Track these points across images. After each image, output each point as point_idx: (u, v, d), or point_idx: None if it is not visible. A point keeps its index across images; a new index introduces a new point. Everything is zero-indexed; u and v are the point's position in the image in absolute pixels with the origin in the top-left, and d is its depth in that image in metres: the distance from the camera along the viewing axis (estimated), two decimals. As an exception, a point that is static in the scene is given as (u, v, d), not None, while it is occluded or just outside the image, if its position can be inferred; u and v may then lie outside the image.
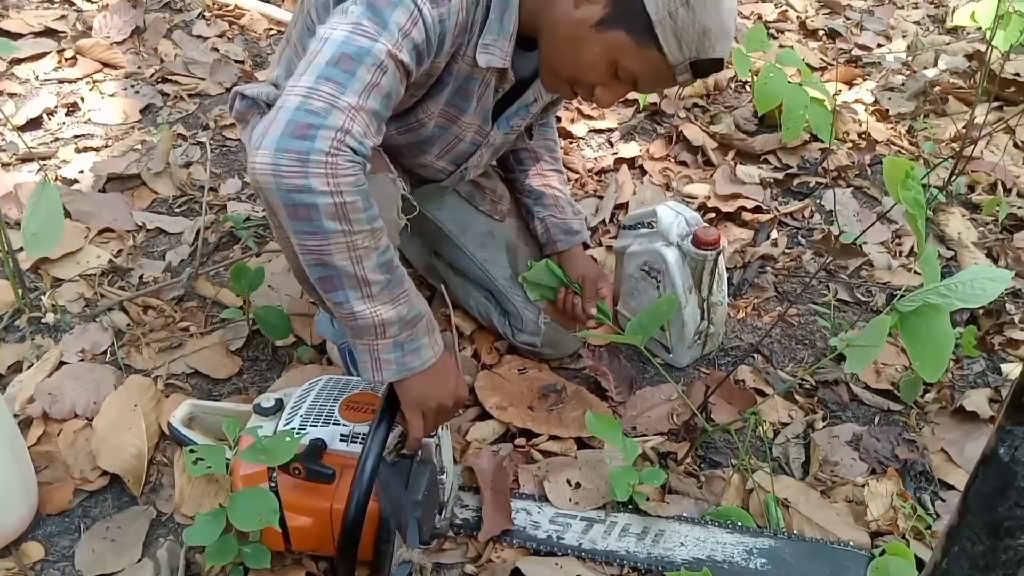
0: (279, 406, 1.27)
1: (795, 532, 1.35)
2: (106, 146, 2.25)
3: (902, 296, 1.24)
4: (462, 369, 1.59)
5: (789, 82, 2.29)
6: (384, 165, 1.29)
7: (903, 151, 2.47)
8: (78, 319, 1.71)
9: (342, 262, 1.06)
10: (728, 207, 2.12)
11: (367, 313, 1.09)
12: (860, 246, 2.03)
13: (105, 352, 1.65)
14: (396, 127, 1.33)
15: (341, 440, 1.20)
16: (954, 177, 2.25)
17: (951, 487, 1.47)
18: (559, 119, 2.48)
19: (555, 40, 1.20)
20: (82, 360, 1.62)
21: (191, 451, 1.19)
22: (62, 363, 1.61)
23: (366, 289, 1.08)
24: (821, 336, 1.81)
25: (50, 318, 1.70)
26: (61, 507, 1.37)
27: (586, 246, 1.68)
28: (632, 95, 2.60)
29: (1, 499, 1.27)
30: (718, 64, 1.16)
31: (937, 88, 2.75)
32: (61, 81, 2.53)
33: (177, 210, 2.06)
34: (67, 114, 2.39)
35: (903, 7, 3.48)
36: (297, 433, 1.19)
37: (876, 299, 1.89)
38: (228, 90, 2.54)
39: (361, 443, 1.16)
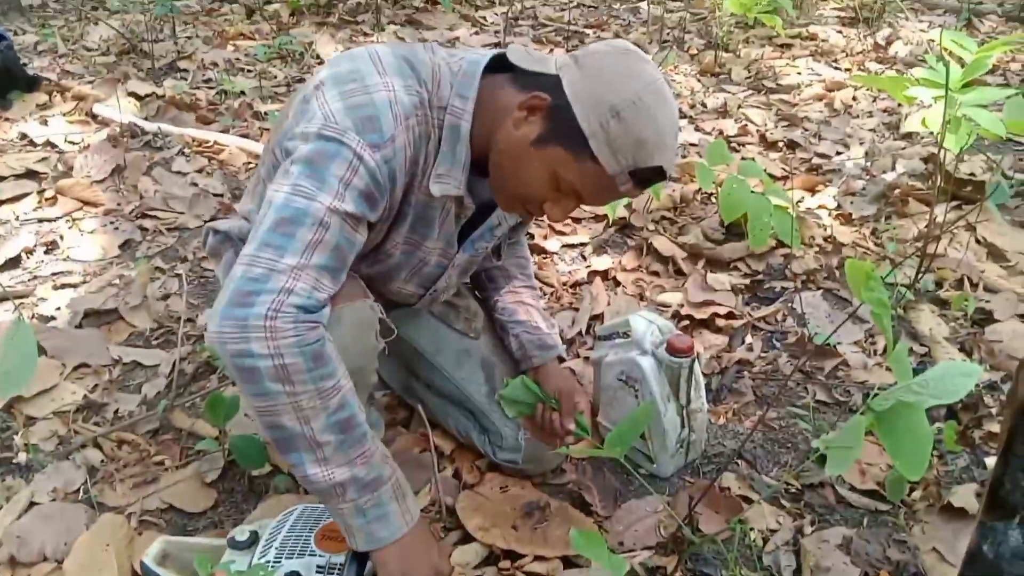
0: (254, 539, 1.24)
1: (791, 645, 1.31)
2: (84, 282, 2.27)
3: (876, 395, 1.25)
4: (443, 490, 1.58)
5: (752, 192, 2.38)
6: (361, 291, 1.30)
7: (869, 252, 2.53)
8: (51, 458, 1.68)
9: (290, 423, 1.08)
10: (701, 314, 2.15)
11: (320, 476, 1.11)
12: (834, 347, 2.05)
13: (78, 490, 1.61)
14: (363, 262, 1.35)
15: (318, 571, 1.17)
16: (921, 275, 2.30)
17: (946, 588, 1.44)
18: (532, 236, 2.53)
19: (500, 162, 1.22)
20: (54, 500, 1.58)
21: (163, 591, 1.15)
22: (33, 504, 1.57)
23: (319, 451, 1.10)
24: (803, 438, 1.80)
25: (22, 458, 1.67)
26: (27, 658, 1.31)
27: (562, 360, 1.68)
28: (601, 210, 2.68)
29: (-37, 653, 1.21)
30: (660, 173, 1.17)
31: (897, 191, 2.84)
32: (41, 220, 2.58)
33: (154, 343, 2.06)
34: (46, 252, 2.42)
35: (858, 117, 3.64)
36: (272, 566, 1.16)
37: (854, 398, 1.90)
38: (206, 222, 2.59)
39: (337, 575, 1.13)
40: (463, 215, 1.37)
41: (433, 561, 1.19)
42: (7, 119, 3.27)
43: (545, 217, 1.25)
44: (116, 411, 1.82)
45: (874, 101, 3.82)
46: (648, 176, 1.17)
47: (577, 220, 2.70)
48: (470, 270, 1.56)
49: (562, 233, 2.61)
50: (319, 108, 1.14)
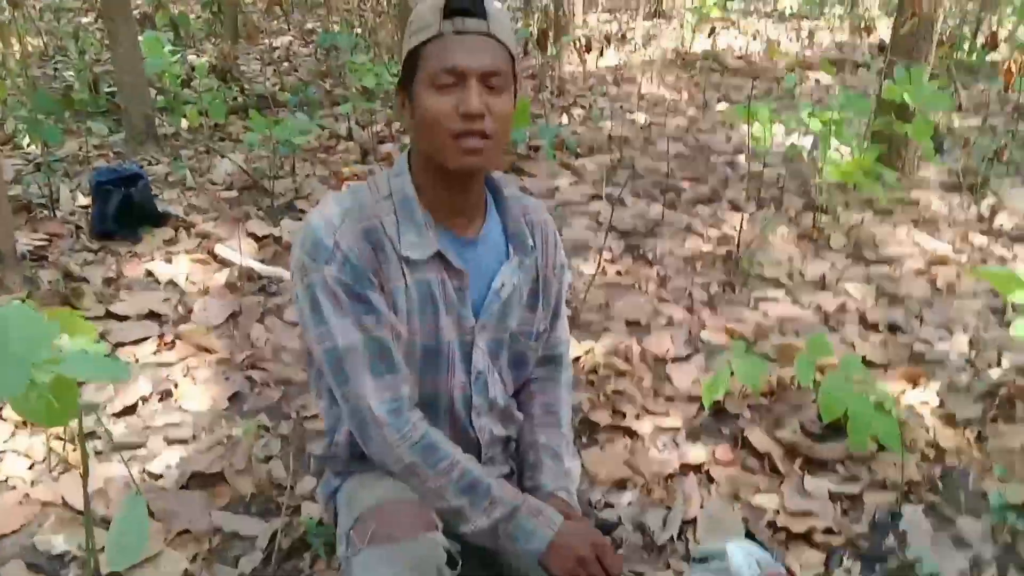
0: None
1: None
2: (194, 437, 2.37)
3: None
4: None
5: (853, 391, 2.35)
6: (424, 523, 1.33)
7: (974, 461, 2.44)
8: (150, 633, 1.73)
9: (436, 501, 1.36)
10: (799, 527, 2.10)
11: (470, 530, 1.38)
12: (938, 576, 1.97)
13: (172, 672, 1.65)
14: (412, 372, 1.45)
15: None
16: (1032, 496, 2.20)
17: None
18: (624, 415, 2.53)
19: (416, 138, 1.39)
20: None
21: None
22: None
23: (459, 514, 1.37)
24: None
25: (124, 631, 1.73)
26: None
27: (566, 516, 1.44)
28: (696, 391, 2.68)
29: None
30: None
31: (1003, 390, 2.76)
32: (159, 365, 2.72)
33: (254, 509, 2.13)
34: (160, 400, 2.55)
35: (962, 297, 3.57)
36: None
37: (961, 642, 1.81)
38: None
39: None
40: (463, 285, 1.42)
41: (580, 541, 1.36)
42: (136, 254, 3.51)
43: (464, 110, 1.28)
44: (214, 585, 1.88)
45: (979, 280, 3.74)
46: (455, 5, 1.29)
47: (670, 399, 2.71)
48: (502, 350, 1.53)
49: (654, 414, 2.61)
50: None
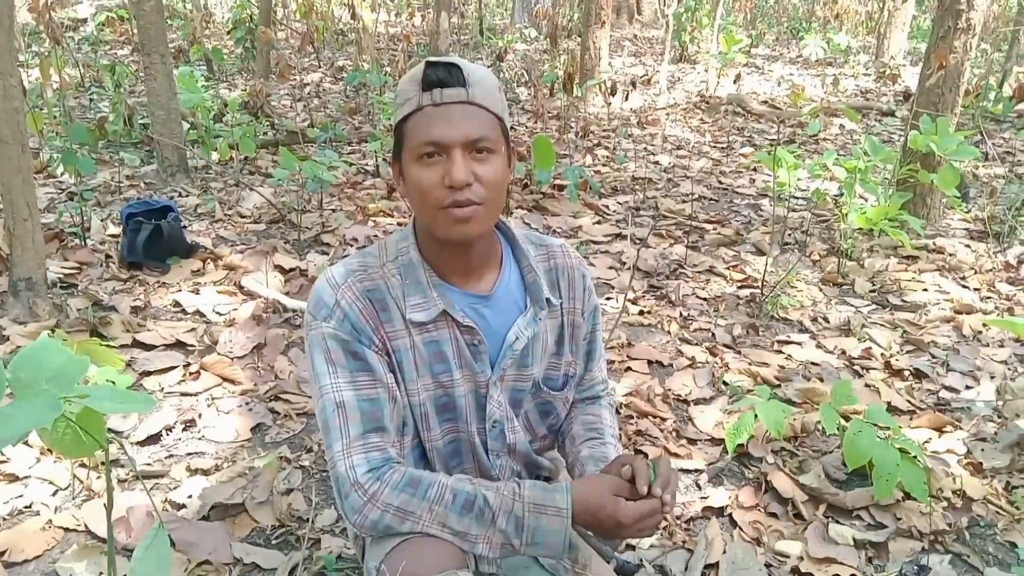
0: None
1: None
2: (216, 468, 2.38)
3: None
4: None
5: (878, 438, 2.32)
6: (456, 561, 1.32)
7: (1001, 512, 2.40)
8: (167, 664, 1.72)
9: (437, 532, 1.30)
10: (823, 574, 2.07)
11: (488, 550, 1.31)
12: (966, 629, 1.93)
13: None
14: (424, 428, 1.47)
15: None
16: (1062, 550, 2.16)
17: None
18: (647, 455, 2.52)
19: (419, 218, 1.37)
20: None
21: None
22: None
23: (468, 537, 1.31)
24: None
25: (141, 661, 1.73)
26: None
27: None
28: (719, 434, 2.66)
29: None
30: (435, 67, 1.29)
31: (1032, 441, 2.72)
32: (183, 395, 2.75)
33: (274, 541, 2.12)
34: (184, 430, 2.57)
35: (988, 345, 3.53)
36: None
37: None
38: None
39: None
40: (476, 340, 1.42)
41: (607, 512, 1.31)
42: (164, 284, 3.56)
43: (449, 182, 1.28)
44: (232, 618, 1.87)
45: (1004, 328, 3.70)
46: (432, 77, 1.29)
47: (692, 441, 2.69)
48: (524, 399, 1.54)
49: (676, 456, 2.60)
50: None
